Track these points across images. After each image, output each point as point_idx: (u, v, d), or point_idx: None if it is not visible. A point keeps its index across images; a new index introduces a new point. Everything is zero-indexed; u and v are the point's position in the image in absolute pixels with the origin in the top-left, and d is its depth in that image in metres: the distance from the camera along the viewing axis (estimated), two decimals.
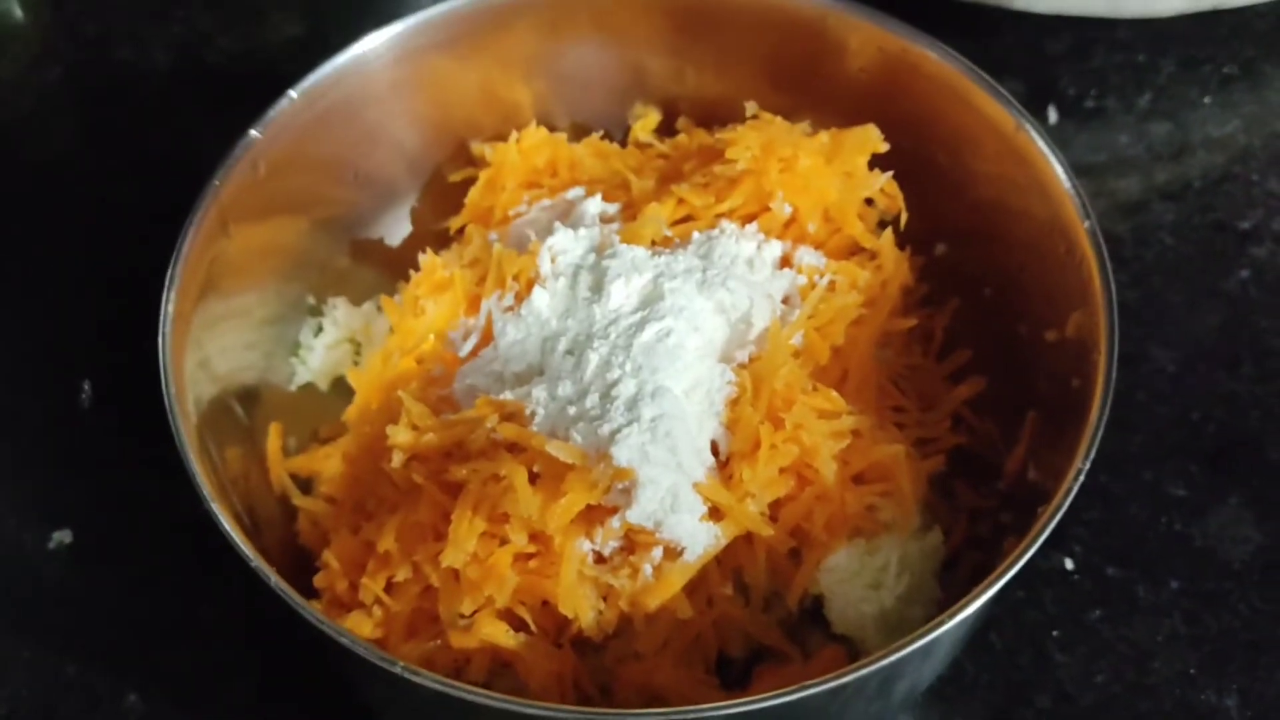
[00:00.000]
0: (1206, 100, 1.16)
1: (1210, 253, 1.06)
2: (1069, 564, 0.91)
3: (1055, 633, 0.89)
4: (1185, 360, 1.00)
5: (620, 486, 0.74)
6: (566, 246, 0.86)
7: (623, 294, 0.82)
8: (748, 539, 0.79)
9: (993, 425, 0.89)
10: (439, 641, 0.76)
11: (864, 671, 0.65)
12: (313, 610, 0.70)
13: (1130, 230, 1.07)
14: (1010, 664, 0.87)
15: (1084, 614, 0.89)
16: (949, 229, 0.94)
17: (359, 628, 0.77)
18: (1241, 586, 0.90)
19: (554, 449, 0.75)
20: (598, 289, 0.83)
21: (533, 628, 0.76)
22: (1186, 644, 0.88)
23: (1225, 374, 1.00)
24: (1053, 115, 1.14)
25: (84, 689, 0.89)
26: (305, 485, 0.89)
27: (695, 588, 0.78)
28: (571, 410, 0.78)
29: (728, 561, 0.79)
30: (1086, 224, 0.80)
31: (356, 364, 0.95)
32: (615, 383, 0.78)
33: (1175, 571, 0.91)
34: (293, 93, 0.88)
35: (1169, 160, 1.12)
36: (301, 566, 0.85)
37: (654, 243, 0.88)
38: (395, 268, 0.98)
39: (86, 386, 1.01)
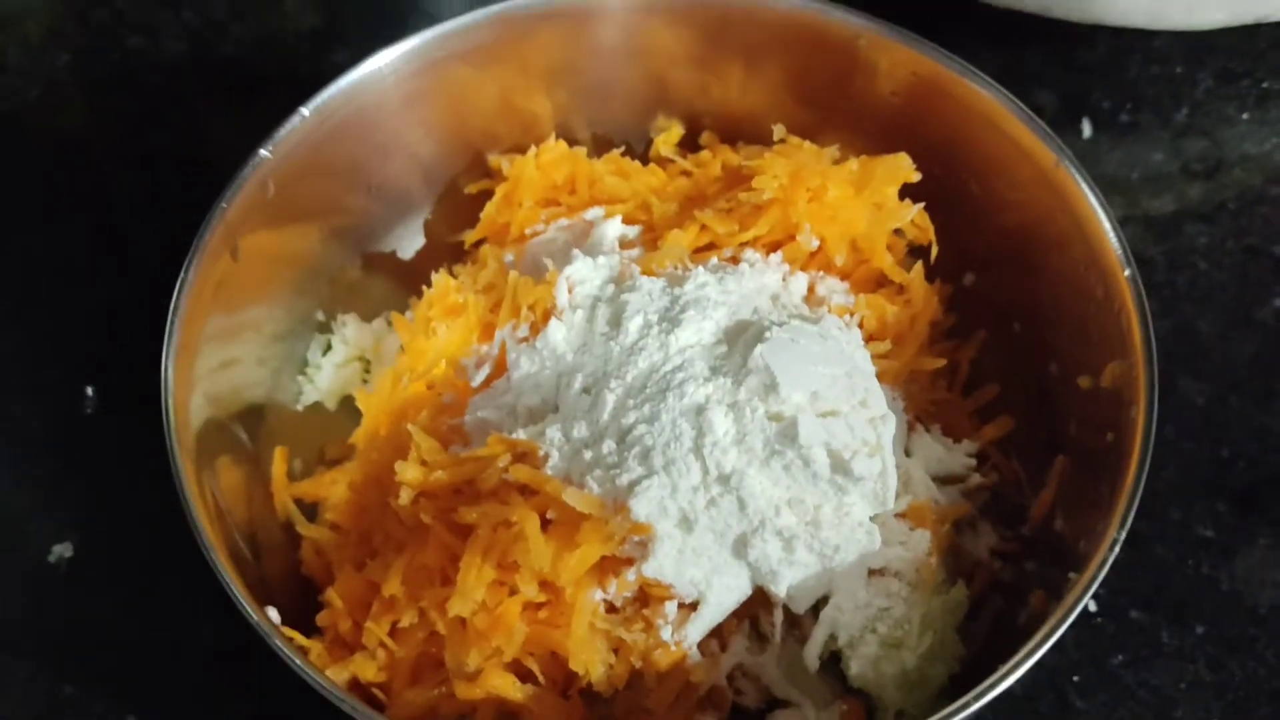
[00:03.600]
0: (1244, 117, 1.12)
1: (1244, 279, 1.03)
2: (1092, 606, 0.89)
3: (1076, 678, 0.86)
4: (1216, 393, 0.97)
5: (636, 539, 0.72)
6: (584, 276, 0.84)
7: (640, 330, 0.80)
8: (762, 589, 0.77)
9: (1018, 464, 0.87)
10: (444, 689, 0.74)
11: None
12: (312, 673, 0.69)
13: (1162, 254, 1.04)
14: (1030, 711, 0.85)
15: (1106, 659, 0.87)
16: (978, 258, 0.92)
17: (362, 671, 0.75)
18: (1268, 633, 0.88)
19: (571, 498, 0.73)
20: (615, 323, 0.81)
21: (541, 679, 0.74)
22: (1210, 692, 0.86)
23: (1257, 408, 0.97)
24: (1086, 129, 1.11)
25: (82, 708, 0.87)
26: (310, 509, 0.87)
27: (709, 636, 0.76)
28: (587, 455, 0.75)
29: (743, 611, 0.77)
30: (1127, 272, 0.77)
31: (366, 382, 0.93)
32: (631, 427, 0.75)
33: (1201, 616, 0.89)
34: (304, 110, 0.85)
35: (1203, 179, 1.09)
36: (309, 590, 0.84)
37: (674, 268, 0.86)
38: (408, 281, 0.95)
39: (90, 391, 0.98)
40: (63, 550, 0.92)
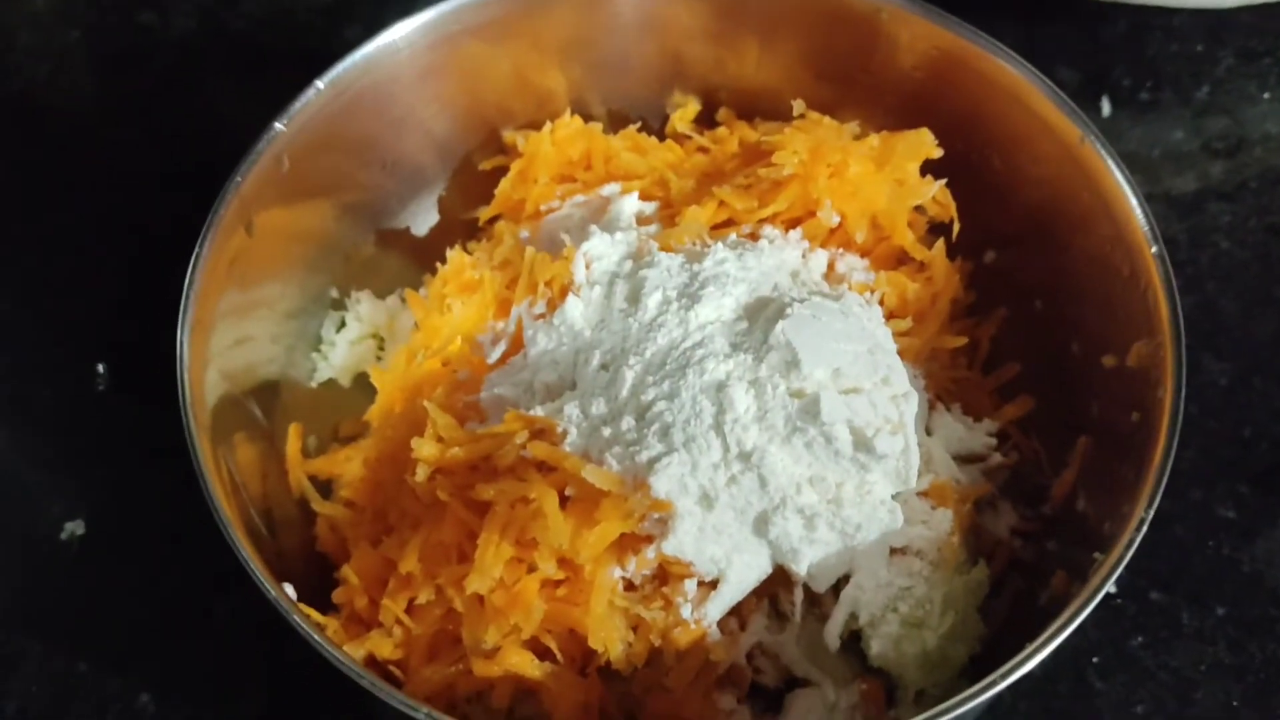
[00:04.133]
0: (1266, 96, 1.11)
1: (1266, 258, 1.03)
2: (1112, 587, 0.87)
3: (1095, 659, 0.86)
4: (1239, 373, 0.97)
5: (656, 516, 0.72)
6: (602, 252, 0.83)
7: (659, 306, 0.79)
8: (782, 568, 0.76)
9: (1039, 444, 0.86)
10: (461, 666, 0.74)
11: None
12: (329, 649, 0.68)
13: (1185, 231, 1.03)
14: (1049, 692, 0.85)
15: (1126, 640, 0.86)
16: (1000, 235, 0.91)
17: (379, 648, 0.75)
18: None
19: (590, 474, 0.72)
20: (634, 299, 0.80)
21: (559, 657, 0.74)
22: (1230, 674, 0.86)
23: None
24: (1106, 107, 1.10)
25: (96, 687, 0.86)
26: (325, 485, 0.87)
27: (729, 614, 0.76)
28: (606, 431, 0.75)
29: (763, 589, 0.77)
30: (1154, 249, 0.76)
31: (379, 359, 0.92)
32: (650, 404, 0.74)
33: (1221, 598, 0.88)
34: (319, 83, 0.84)
35: (1225, 157, 1.08)
36: (324, 567, 0.83)
37: (693, 244, 0.85)
38: (421, 257, 0.94)
39: (102, 369, 0.98)
40: (74, 528, 0.92)
